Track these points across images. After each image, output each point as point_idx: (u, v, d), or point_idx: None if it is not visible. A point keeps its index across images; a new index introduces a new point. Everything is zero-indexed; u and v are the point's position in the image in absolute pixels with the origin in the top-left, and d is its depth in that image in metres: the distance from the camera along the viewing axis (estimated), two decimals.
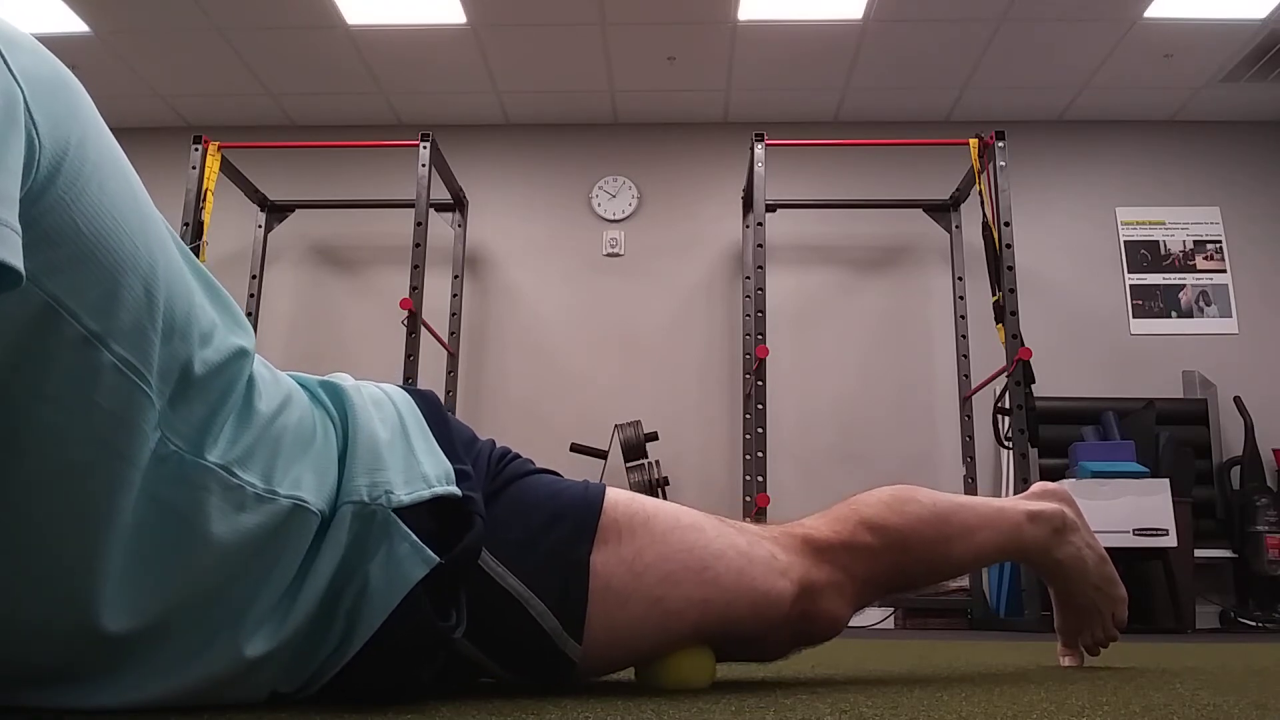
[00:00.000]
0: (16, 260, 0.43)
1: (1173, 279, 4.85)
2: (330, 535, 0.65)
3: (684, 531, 0.82)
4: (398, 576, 0.66)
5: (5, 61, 0.46)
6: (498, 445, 0.86)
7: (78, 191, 0.49)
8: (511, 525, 0.77)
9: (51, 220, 0.48)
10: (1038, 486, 1.13)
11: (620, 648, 0.80)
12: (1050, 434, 3.94)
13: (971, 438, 4.46)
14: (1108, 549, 1.11)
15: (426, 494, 0.69)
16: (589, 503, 0.81)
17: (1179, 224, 4.93)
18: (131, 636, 0.57)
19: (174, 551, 0.57)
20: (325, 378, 0.76)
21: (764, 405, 3.87)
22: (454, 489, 0.72)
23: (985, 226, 3.97)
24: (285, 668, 0.65)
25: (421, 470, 0.71)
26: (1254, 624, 4.06)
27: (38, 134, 0.46)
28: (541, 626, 0.76)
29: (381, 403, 0.75)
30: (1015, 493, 3.31)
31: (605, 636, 0.78)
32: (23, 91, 0.46)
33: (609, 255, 4.99)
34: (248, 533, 0.60)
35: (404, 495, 0.68)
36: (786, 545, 0.88)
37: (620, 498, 0.83)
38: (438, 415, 0.79)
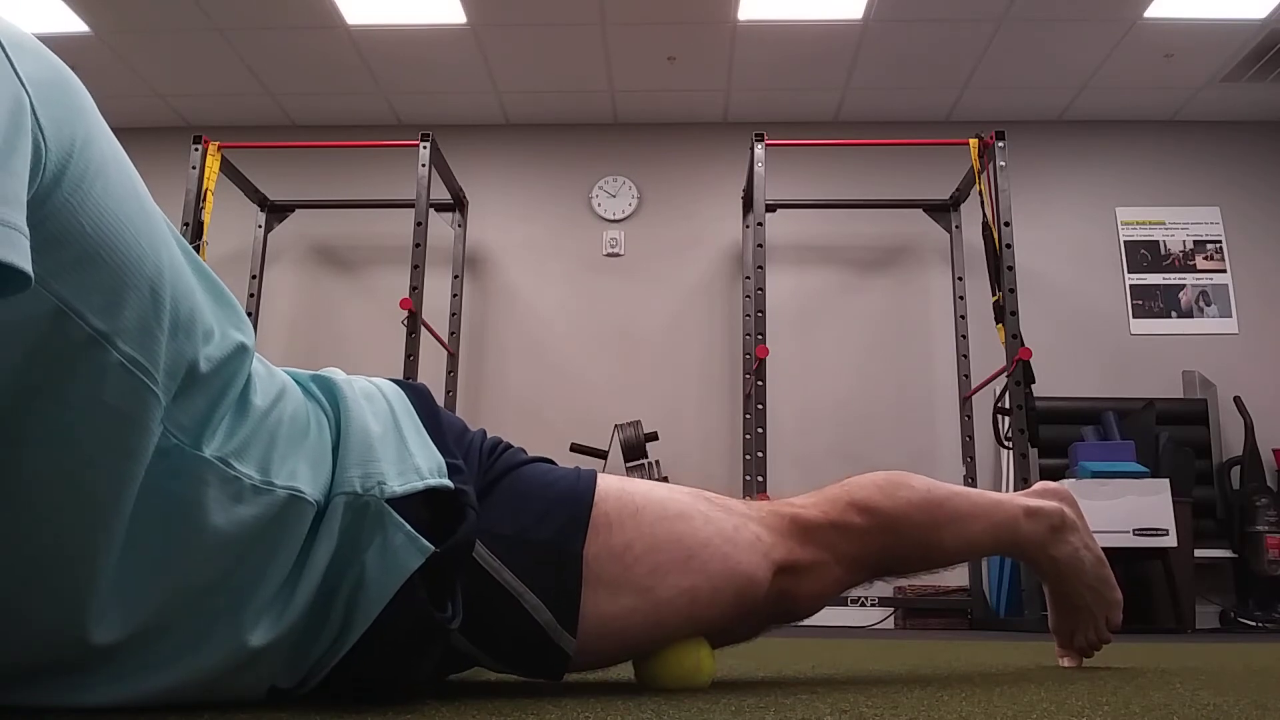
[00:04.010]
0: (25, 262, 0.43)
1: (1173, 279, 4.85)
2: (324, 526, 0.65)
3: (671, 522, 0.83)
4: (394, 566, 0.66)
5: (11, 65, 0.46)
6: (488, 436, 0.86)
7: (83, 193, 0.49)
8: (504, 519, 0.78)
9: (58, 222, 0.48)
10: (1039, 485, 1.13)
11: (613, 639, 0.80)
12: (1050, 434, 3.94)
13: (971, 438, 4.46)
14: (1108, 549, 1.11)
15: (419, 485, 0.70)
16: (581, 495, 0.81)
17: (1179, 224, 4.93)
18: (123, 641, 0.57)
19: (172, 544, 0.57)
20: (317, 372, 0.76)
21: (764, 405, 3.87)
22: (446, 481, 0.72)
23: (985, 226, 3.97)
24: (284, 660, 0.65)
25: (414, 462, 0.71)
26: (1254, 624, 4.06)
27: (44, 137, 0.47)
28: (536, 621, 0.76)
29: (373, 396, 0.76)
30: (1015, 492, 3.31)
31: (599, 629, 0.78)
32: (29, 95, 0.46)
33: (609, 255, 4.99)
34: (245, 524, 0.60)
35: (397, 486, 0.68)
36: (773, 525, 0.89)
37: (610, 489, 0.84)
38: (429, 408, 0.79)
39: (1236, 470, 4.42)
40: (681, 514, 0.84)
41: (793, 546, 0.88)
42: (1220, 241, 4.88)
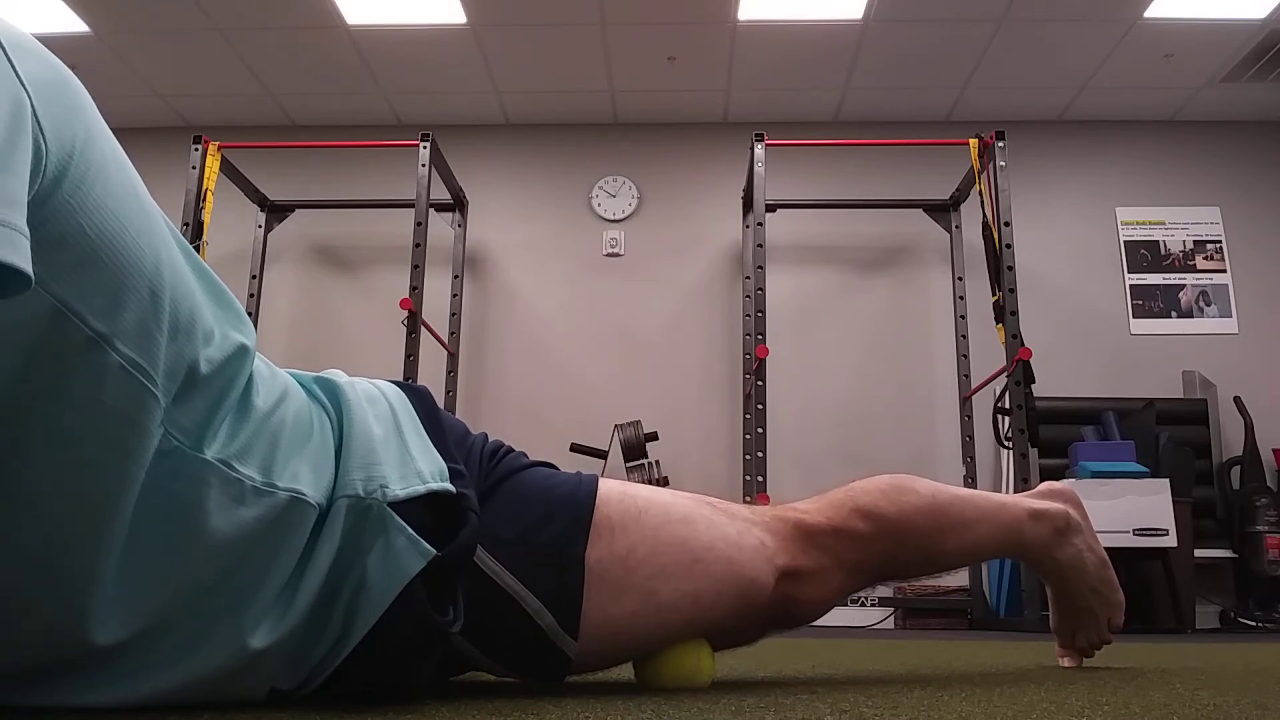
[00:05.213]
0: (25, 263, 0.43)
1: (1173, 279, 4.85)
2: (326, 529, 0.65)
3: (675, 526, 0.83)
4: (395, 569, 0.66)
5: (13, 67, 0.46)
6: (490, 439, 0.86)
7: (84, 194, 0.49)
8: (506, 523, 0.78)
9: (58, 224, 0.48)
10: (1044, 486, 1.12)
11: (615, 642, 0.80)
12: (1050, 434, 3.94)
13: (971, 438, 4.46)
14: (1107, 549, 1.10)
15: (421, 489, 0.70)
16: (582, 499, 0.81)
17: (1179, 224, 4.93)
18: (124, 642, 0.57)
19: (172, 545, 0.57)
20: (319, 374, 0.76)
21: (764, 405, 3.87)
22: (448, 485, 0.72)
23: (985, 226, 3.97)
24: (285, 662, 0.65)
25: (416, 466, 0.71)
26: (1254, 624, 4.06)
27: (44, 138, 0.47)
28: (538, 624, 0.76)
29: (375, 399, 0.76)
30: (1015, 493, 3.31)
31: (600, 632, 0.78)
32: (30, 97, 0.46)
33: (609, 255, 4.99)
34: (246, 526, 0.60)
35: (399, 490, 0.68)
36: (776, 530, 0.89)
37: (613, 492, 0.83)
38: (430, 411, 0.79)
39: (1236, 470, 4.42)
40: (685, 518, 0.84)
41: (796, 552, 0.88)
42: (1220, 241, 4.88)
